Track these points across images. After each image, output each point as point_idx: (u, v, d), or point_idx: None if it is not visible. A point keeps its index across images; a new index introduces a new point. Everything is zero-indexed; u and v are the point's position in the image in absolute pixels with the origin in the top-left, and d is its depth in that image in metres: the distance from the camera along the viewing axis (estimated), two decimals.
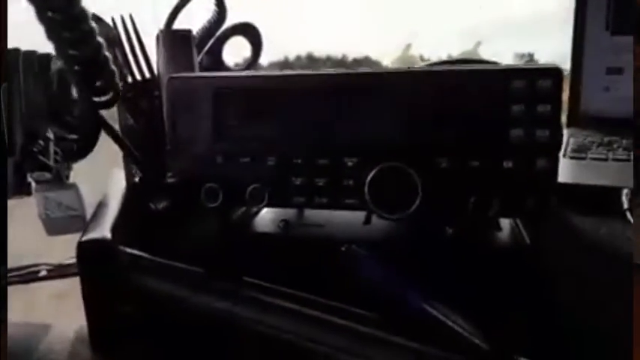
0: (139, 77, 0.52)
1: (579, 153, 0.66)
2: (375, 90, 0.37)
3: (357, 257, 0.39)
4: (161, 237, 0.45)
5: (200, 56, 0.56)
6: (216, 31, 0.57)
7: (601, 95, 0.83)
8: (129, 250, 0.45)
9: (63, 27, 0.32)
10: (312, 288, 0.37)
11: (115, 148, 0.59)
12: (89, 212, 0.58)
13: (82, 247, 0.44)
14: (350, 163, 0.37)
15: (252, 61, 0.60)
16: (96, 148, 0.68)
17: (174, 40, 0.50)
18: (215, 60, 0.57)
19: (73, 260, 0.47)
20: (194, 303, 0.37)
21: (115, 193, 0.58)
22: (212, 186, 0.38)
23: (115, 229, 0.46)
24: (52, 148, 0.56)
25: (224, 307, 0.35)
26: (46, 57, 0.51)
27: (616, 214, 0.48)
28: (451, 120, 0.35)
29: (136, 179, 0.57)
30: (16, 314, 0.34)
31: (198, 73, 0.41)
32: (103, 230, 0.46)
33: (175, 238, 0.45)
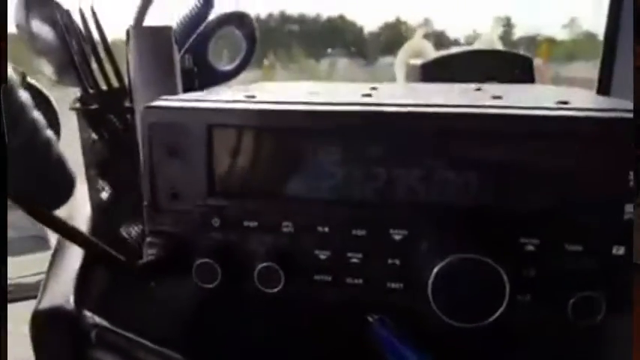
0: (103, 86, 0.41)
1: None
2: (439, 136, 0.27)
3: (388, 336, 0.30)
4: (137, 303, 0.36)
5: (181, 54, 0.44)
6: (200, 24, 0.45)
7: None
8: (96, 318, 0.35)
9: None
10: None
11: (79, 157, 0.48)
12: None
13: (37, 317, 0.34)
14: (397, 237, 0.27)
15: (246, 59, 0.49)
16: None
17: (147, 38, 0.39)
18: (199, 59, 0.46)
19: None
20: None
21: (78, 224, 0.47)
22: (207, 262, 0.28)
23: (79, 290, 0.37)
24: None
25: None
26: None
27: None
28: (549, 187, 0.26)
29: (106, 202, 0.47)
30: None
31: (185, 102, 0.30)
32: (64, 291, 0.36)
33: (156, 304, 0.36)
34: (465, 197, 0.27)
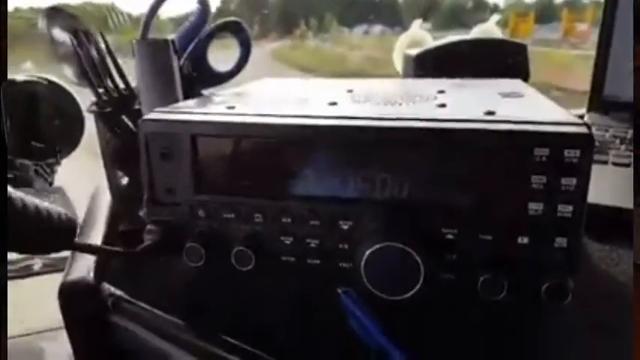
0: (114, 92, 0.48)
1: (600, 155, 0.60)
2: (371, 147, 0.32)
3: (351, 306, 0.36)
4: (146, 274, 0.43)
5: (182, 61, 0.50)
6: (199, 32, 0.51)
7: (628, 78, 0.76)
8: (112, 289, 0.42)
9: None
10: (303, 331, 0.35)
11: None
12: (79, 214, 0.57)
13: (64, 289, 0.41)
14: (345, 227, 0.33)
15: (242, 61, 0.54)
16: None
17: (149, 51, 0.45)
18: (199, 64, 0.51)
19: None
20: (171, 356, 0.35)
21: (100, 209, 0.55)
22: (194, 246, 0.35)
23: (98, 265, 0.44)
24: (31, 164, 0.53)
25: None
26: (11, 83, 0.46)
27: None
28: (461, 186, 0.31)
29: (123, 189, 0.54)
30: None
31: (174, 115, 0.36)
32: (86, 266, 0.44)
33: (162, 275, 0.42)
34: (399, 195, 0.32)
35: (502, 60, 0.71)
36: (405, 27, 0.85)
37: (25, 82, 0.47)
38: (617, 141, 0.65)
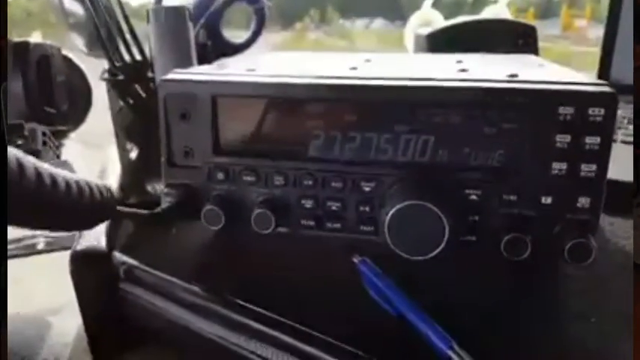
0: (128, 59, 0.47)
1: None
2: (394, 107, 0.32)
3: (368, 273, 0.36)
4: (156, 242, 0.42)
5: (196, 29, 0.50)
6: (213, 1, 0.50)
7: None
8: (124, 257, 0.42)
9: None
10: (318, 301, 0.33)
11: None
12: None
13: (75, 257, 0.41)
14: (367, 189, 0.33)
15: (257, 32, 0.54)
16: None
17: (166, 17, 0.44)
18: (213, 33, 0.51)
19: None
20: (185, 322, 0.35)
21: (110, 180, 0.54)
22: (213, 209, 0.35)
23: (109, 233, 0.43)
24: (39, 133, 0.53)
25: (212, 331, 0.33)
26: (24, 45, 0.45)
27: None
28: (485, 146, 0.31)
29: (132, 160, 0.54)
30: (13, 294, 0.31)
31: (194, 75, 0.35)
32: (97, 235, 0.43)
33: (171, 243, 0.42)
34: (423, 156, 0.32)
35: (512, 40, 0.71)
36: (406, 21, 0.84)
37: (38, 45, 0.46)
38: (626, 120, 0.65)
